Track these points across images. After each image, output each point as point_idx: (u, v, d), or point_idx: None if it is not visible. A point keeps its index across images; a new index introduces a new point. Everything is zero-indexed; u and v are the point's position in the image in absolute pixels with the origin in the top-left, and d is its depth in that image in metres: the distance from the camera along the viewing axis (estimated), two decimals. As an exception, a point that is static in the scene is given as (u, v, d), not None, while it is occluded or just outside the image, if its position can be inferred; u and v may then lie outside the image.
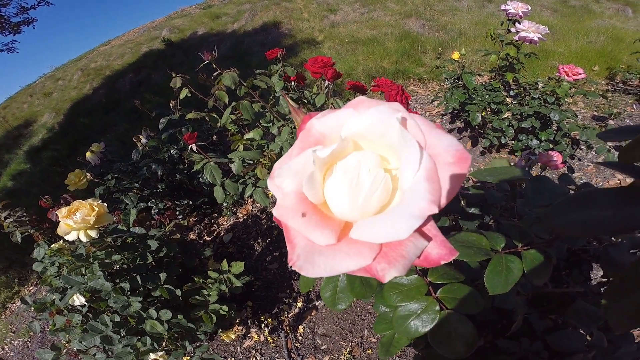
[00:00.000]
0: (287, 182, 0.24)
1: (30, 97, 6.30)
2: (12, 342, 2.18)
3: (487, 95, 1.70)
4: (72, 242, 1.22)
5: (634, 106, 2.12)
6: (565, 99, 1.56)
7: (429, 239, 0.23)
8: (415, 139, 0.23)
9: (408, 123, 0.24)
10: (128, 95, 4.18)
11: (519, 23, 1.51)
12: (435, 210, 0.20)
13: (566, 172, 1.51)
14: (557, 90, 1.49)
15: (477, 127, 1.89)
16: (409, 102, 1.37)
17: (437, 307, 0.44)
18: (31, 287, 2.55)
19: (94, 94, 4.72)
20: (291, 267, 0.22)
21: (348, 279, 0.47)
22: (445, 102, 1.77)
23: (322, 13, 4.45)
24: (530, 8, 1.55)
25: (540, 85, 1.58)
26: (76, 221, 0.88)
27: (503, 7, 1.57)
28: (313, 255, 0.21)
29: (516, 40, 1.56)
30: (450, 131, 2.14)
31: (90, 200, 0.93)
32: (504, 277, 0.41)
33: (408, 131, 0.23)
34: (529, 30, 1.46)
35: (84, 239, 0.92)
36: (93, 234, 0.92)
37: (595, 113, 2.09)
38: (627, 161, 0.28)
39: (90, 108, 4.34)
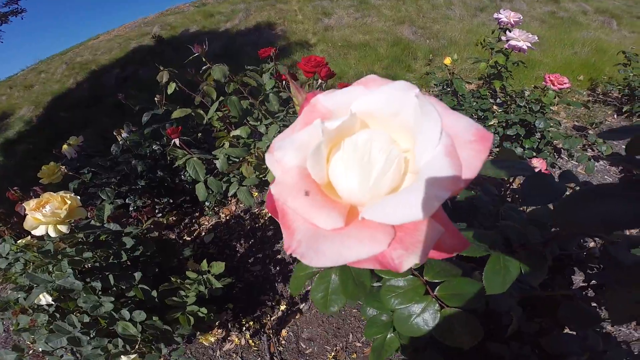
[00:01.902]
0: (289, 155, 0.20)
1: (10, 89, 6.01)
2: None
3: (475, 103, 1.72)
4: (41, 238, 1.14)
5: (615, 116, 2.20)
6: (549, 108, 1.60)
7: (439, 230, 0.20)
8: (435, 117, 0.20)
9: (424, 100, 0.22)
10: (113, 90, 4.04)
11: (510, 32, 1.54)
12: (461, 186, 0.17)
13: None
14: (542, 98, 1.52)
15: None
16: None
17: (437, 306, 0.42)
18: None
19: (78, 88, 4.54)
20: (290, 255, 0.19)
21: (341, 278, 0.44)
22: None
23: (316, 16, 4.47)
24: (521, 17, 1.59)
25: (527, 93, 1.61)
26: (45, 214, 0.81)
27: (496, 15, 1.60)
28: (317, 241, 0.18)
29: (506, 48, 1.59)
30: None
31: (61, 193, 0.86)
32: (502, 277, 0.40)
33: (429, 109, 0.21)
34: (519, 38, 1.49)
35: (53, 234, 0.85)
36: (63, 229, 0.85)
37: (576, 123, 2.16)
38: (635, 153, 0.27)
39: (72, 102, 4.17)
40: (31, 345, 1.16)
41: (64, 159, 1.69)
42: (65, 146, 1.68)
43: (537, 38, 1.50)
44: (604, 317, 0.50)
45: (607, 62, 2.82)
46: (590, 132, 1.96)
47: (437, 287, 0.43)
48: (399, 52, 3.24)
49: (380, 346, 0.57)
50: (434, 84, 1.91)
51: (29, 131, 4.20)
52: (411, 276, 0.45)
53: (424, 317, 0.42)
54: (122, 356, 1.09)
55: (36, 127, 4.21)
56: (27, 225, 0.84)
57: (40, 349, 1.11)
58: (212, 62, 1.22)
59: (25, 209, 1.11)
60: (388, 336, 0.58)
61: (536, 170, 0.81)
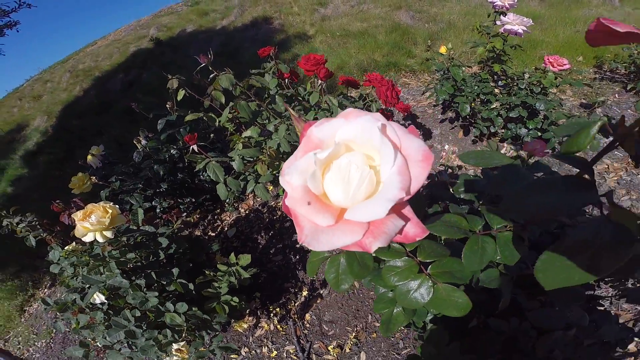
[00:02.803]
0: (294, 178, 0.31)
1: (20, 100, 6.26)
2: (36, 343, 2.27)
3: (476, 87, 1.77)
4: (85, 244, 1.29)
5: (622, 93, 2.20)
6: (552, 88, 1.63)
7: (407, 220, 0.31)
8: (393, 142, 0.30)
9: (387, 129, 0.32)
10: (120, 95, 4.19)
11: (505, 15, 1.57)
12: (404, 195, 0.27)
13: (550, 158, 1.60)
14: (542, 81, 1.56)
15: (467, 117, 1.96)
16: (399, 95, 1.44)
17: (430, 282, 0.51)
18: (45, 290, 2.64)
19: (85, 95, 4.72)
20: (301, 244, 0.29)
21: (347, 261, 0.54)
22: (435, 94, 1.84)
23: (312, 7, 4.46)
24: (516, 0, 1.60)
25: (527, 76, 1.65)
26: (92, 223, 0.95)
27: None
28: (317, 234, 0.29)
29: (502, 33, 1.62)
30: (442, 121, 2.22)
31: (102, 203, 1.00)
32: (479, 256, 0.49)
33: (387, 136, 0.31)
34: (514, 22, 1.53)
35: (100, 239, 0.99)
36: (109, 234, 0.99)
37: (583, 101, 2.17)
38: (566, 153, 0.36)
39: (82, 110, 4.35)
40: (92, 342, 1.30)
41: (90, 168, 1.84)
42: (89, 157, 1.83)
43: (531, 21, 1.53)
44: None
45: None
46: (598, 109, 1.98)
47: (429, 266, 0.52)
48: (398, 38, 3.23)
49: (388, 319, 0.68)
50: (435, 69, 1.96)
51: (46, 141, 4.44)
52: (406, 257, 0.55)
53: (421, 291, 0.51)
54: (173, 344, 1.23)
55: (52, 137, 4.43)
56: (77, 233, 0.98)
57: (99, 345, 1.27)
58: (213, 62, 1.31)
59: (70, 219, 1.27)
60: (395, 310, 0.69)
61: (541, 150, 0.88)
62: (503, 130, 1.86)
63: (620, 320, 1.04)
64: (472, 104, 1.83)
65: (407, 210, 0.31)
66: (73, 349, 1.26)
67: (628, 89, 2.16)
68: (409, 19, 3.66)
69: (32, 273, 2.80)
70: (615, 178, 1.61)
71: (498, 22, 1.59)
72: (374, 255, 0.55)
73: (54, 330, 2.24)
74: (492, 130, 1.84)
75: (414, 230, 0.31)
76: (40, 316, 2.44)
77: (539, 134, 1.68)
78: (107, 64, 5.21)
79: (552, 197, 0.34)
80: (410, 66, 2.85)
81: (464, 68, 1.95)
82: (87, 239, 0.99)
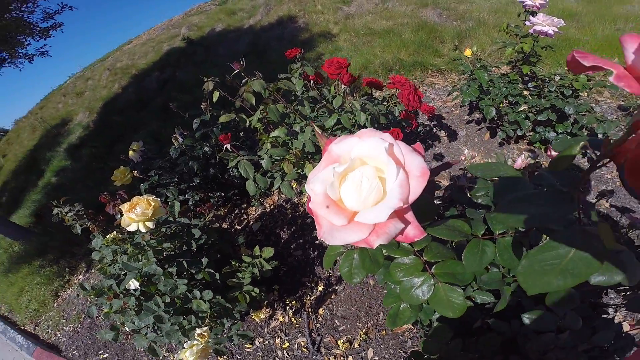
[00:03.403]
0: (317, 186, 0.39)
1: (64, 97, 6.79)
2: (64, 328, 2.48)
3: (504, 88, 1.75)
4: (124, 233, 1.43)
5: None
6: (584, 91, 1.59)
7: (407, 223, 0.38)
8: (397, 159, 0.37)
9: (394, 148, 0.39)
10: (156, 93, 4.45)
11: (535, 15, 1.55)
12: (402, 205, 0.34)
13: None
14: (574, 83, 1.53)
15: (495, 119, 1.95)
16: (422, 98, 1.47)
17: (432, 281, 0.56)
18: (80, 276, 2.87)
19: (123, 92, 5.05)
20: (320, 239, 0.37)
21: (360, 257, 0.61)
22: (462, 95, 1.85)
23: (335, 5, 4.49)
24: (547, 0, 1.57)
25: (557, 78, 1.62)
26: (137, 214, 1.08)
27: None
28: (333, 232, 0.36)
29: (531, 33, 1.60)
30: (468, 123, 2.21)
31: (146, 196, 1.13)
32: (478, 258, 0.54)
33: (393, 154, 0.38)
34: (544, 23, 1.49)
35: (143, 229, 1.13)
36: (150, 225, 1.12)
37: (622, 103, 2.08)
38: (554, 169, 0.41)
39: (121, 106, 4.65)
40: (121, 326, 1.40)
41: (130, 163, 2.02)
42: (130, 152, 2.01)
43: (563, 22, 1.49)
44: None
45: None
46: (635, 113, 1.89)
47: (434, 266, 0.57)
48: (424, 37, 3.20)
49: (395, 313, 0.74)
50: (462, 69, 1.96)
51: (88, 135, 4.81)
52: (413, 256, 0.61)
53: (422, 289, 0.57)
54: (196, 329, 1.36)
55: (94, 132, 4.80)
56: (123, 223, 1.12)
57: (128, 329, 1.37)
58: (242, 60, 1.40)
59: (115, 210, 1.43)
60: (402, 306, 0.75)
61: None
62: (531, 134, 1.84)
63: (632, 332, 1.04)
64: (501, 105, 1.82)
65: (409, 215, 0.38)
66: (104, 332, 1.37)
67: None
68: (435, 17, 3.61)
69: (69, 260, 3.06)
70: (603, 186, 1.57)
71: (527, 23, 1.56)
72: (385, 253, 0.62)
73: (83, 316, 2.45)
74: (519, 134, 1.82)
75: (414, 232, 0.38)
76: (73, 302, 2.66)
77: (568, 138, 1.65)
78: (143, 62, 5.54)
79: (535, 209, 0.40)
80: (437, 65, 2.83)
81: (493, 68, 1.94)
82: (131, 228, 1.13)
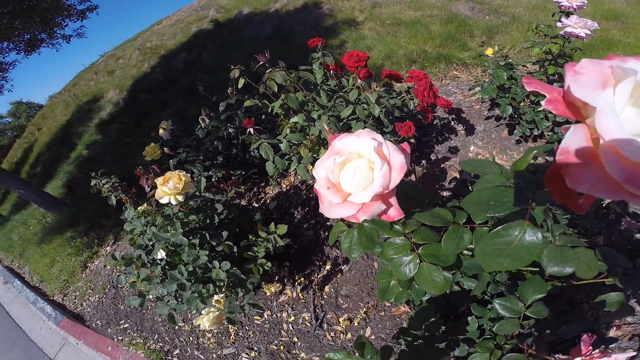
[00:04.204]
0: (321, 172, 0.50)
1: (96, 74, 7.13)
2: (90, 298, 2.66)
3: (526, 87, 1.77)
4: (153, 205, 1.59)
5: None
6: None
7: (390, 206, 0.49)
8: (384, 156, 0.48)
9: (382, 147, 0.49)
10: (182, 73, 4.63)
11: (570, 16, 1.49)
12: (382, 190, 0.45)
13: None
14: None
15: (514, 116, 1.97)
16: (437, 94, 1.54)
17: (418, 260, 0.67)
18: (107, 247, 3.06)
19: (152, 72, 5.28)
20: (320, 212, 0.49)
21: (358, 235, 0.72)
22: (482, 92, 1.88)
23: (362, -8, 4.45)
24: (585, 1, 1.53)
25: None
26: (170, 188, 1.23)
27: None
28: (331, 207, 0.48)
29: (562, 35, 1.56)
30: (487, 118, 2.24)
31: (177, 172, 1.28)
32: (455, 242, 0.63)
33: (381, 151, 0.48)
34: (576, 25, 1.46)
35: (173, 202, 1.28)
36: (180, 198, 1.28)
37: None
38: (516, 171, 0.50)
39: (150, 85, 4.88)
40: (146, 294, 1.53)
41: (160, 140, 2.20)
42: (161, 130, 2.18)
43: (596, 25, 1.45)
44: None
45: None
46: None
47: (420, 247, 0.68)
48: (453, 30, 3.14)
49: (385, 288, 0.86)
50: (486, 65, 1.97)
51: (118, 112, 5.08)
52: (404, 237, 0.72)
53: (409, 266, 0.68)
54: (214, 296, 1.51)
55: (123, 109, 5.07)
56: (157, 195, 1.28)
57: (153, 297, 1.50)
58: (266, 44, 1.52)
59: (146, 183, 1.59)
60: (391, 282, 0.86)
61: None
62: (549, 134, 1.86)
63: (619, 334, 1.11)
64: (521, 104, 1.83)
65: (392, 200, 0.49)
66: (132, 299, 1.52)
67: None
68: (468, 10, 3.52)
69: (98, 231, 3.25)
70: None
71: (559, 24, 1.53)
72: (382, 235, 0.73)
73: (108, 287, 2.63)
74: (536, 133, 1.85)
75: (394, 213, 0.49)
76: (99, 273, 2.83)
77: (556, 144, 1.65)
78: (171, 43, 5.73)
79: (486, 198, 0.50)
80: (462, 59, 2.81)
81: (519, 66, 1.94)
82: (164, 201, 1.29)
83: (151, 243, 1.57)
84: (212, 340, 1.91)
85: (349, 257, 0.74)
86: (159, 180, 1.25)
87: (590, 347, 0.52)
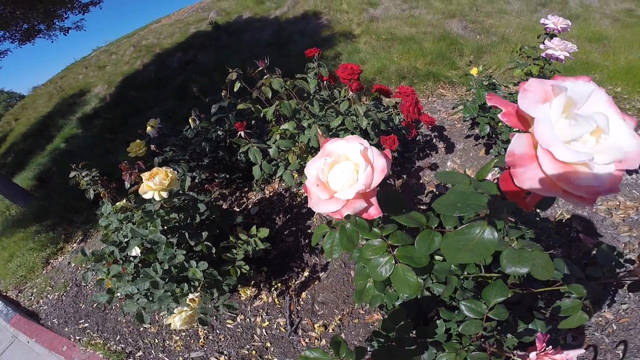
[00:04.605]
0: (312, 171, 0.55)
1: (86, 69, 7.00)
2: (48, 296, 2.52)
3: (507, 108, 1.88)
4: (134, 202, 1.57)
5: None
6: None
7: (371, 205, 0.54)
8: (368, 159, 0.53)
9: (367, 151, 0.55)
10: (176, 73, 4.62)
11: (554, 38, 1.59)
12: (365, 189, 0.50)
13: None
14: None
15: (491, 136, 2.09)
16: (421, 110, 1.62)
17: (393, 261, 0.72)
18: (74, 245, 2.92)
19: (144, 69, 5.23)
20: (309, 207, 0.53)
21: (340, 236, 0.77)
22: (464, 111, 1.99)
23: (362, 6, 4.60)
24: (570, 23, 1.61)
25: None
26: (155, 183, 1.25)
27: (542, 20, 1.64)
28: (319, 203, 0.53)
29: (543, 57, 1.66)
30: (467, 137, 2.35)
31: (164, 168, 1.30)
32: (427, 244, 0.68)
33: (365, 155, 0.54)
34: (557, 48, 1.56)
35: (157, 198, 1.29)
36: (165, 194, 1.29)
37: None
38: (479, 179, 0.57)
39: (141, 83, 4.83)
40: (115, 291, 1.47)
41: (146, 137, 2.19)
42: (149, 128, 2.18)
43: (575, 48, 1.55)
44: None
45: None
46: None
47: (396, 249, 0.73)
48: (444, 48, 3.30)
49: (361, 290, 0.91)
50: (471, 84, 2.07)
51: (104, 107, 4.99)
52: (381, 239, 0.77)
53: (385, 267, 0.72)
54: (188, 294, 1.48)
55: (110, 104, 4.99)
56: (141, 190, 1.29)
57: (119, 294, 1.44)
58: (264, 51, 1.57)
59: (129, 178, 1.60)
60: (367, 284, 0.91)
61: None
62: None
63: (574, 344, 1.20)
64: (499, 124, 1.94)
65: (373, 200, 0.55)
66: (99, 295, 1.47)
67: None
68: (460, 29, 3.71)
69: (66, 227, 3.10)
70: (623, 215, 1.69)
71: (541, 46, 1.61)
72: (361, 238, 0.78)
73: (70, 285, 2.51)
74: (513, 154, 1.96)
75: (374, 211, 0.54)
76: (62, 270, 2.69)
77: None
78: (168, 42, 5.72)
79: (454, 200, 0.55)
80: (450, 78, 2.95)
81: (502, 87, 2.06)
82: (147, 196, 1.30)
83: (126, 240, 1.55)
84: (179, 343, 1.87)
85: (330, 257, 0.78)
86: (145, 175, 1.27)
87: (544, 344, 0.58)
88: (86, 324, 2.20)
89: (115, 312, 2.18)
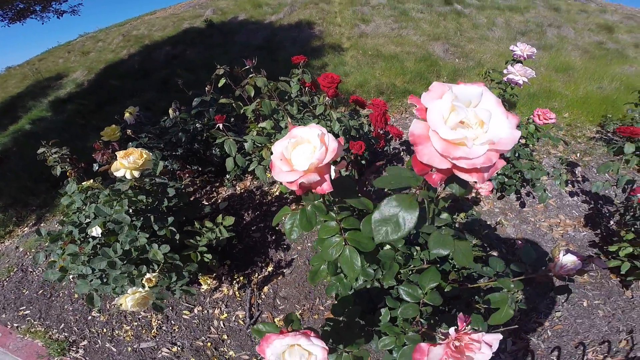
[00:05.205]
0: (278, 148, 0.63)
1: (68, 53, 6.81)
2: None
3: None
4: (101, 183, 1.57)
5: (607, 155, 2.38)
6: (533, 139, 1.77)
7: (324, 180, 0.63)
8: (324, 142, 0.62)
9: (325, 136, 0.64)
10: (161, 66, 4.61)
11: (515, 64, 1.73)
12: (317, 163, 0.59)
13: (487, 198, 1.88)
14: (522, 130, 1.78)
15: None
16: (388, 121, 1.76)
17: (343, 243, 0.81)
18: (25, 228, 2.80)
19: (129, 59, 5.18)
20: (271, 176, 0.61)
21: (300, 217, 0.84)
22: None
23: (354, 21, 4.82)
24: (535, 51, 1.75)
25: None
26: (129, 162, 1.28)
27: (512, 47, 1.78)
28: (280, 173, 0.61)
29: (504, 81, 1.80)
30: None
31: (140, 149, 1.34)
32: (371, 227, 0.78)
33: (322, 139, 0.63)
34: (517, 73, 1.70)
35: (129, 176, 1.32)
36: (136, 174, 1.32)
37: (573, 158, 2.39)
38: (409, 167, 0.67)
39: (123, 72, 4.77)
40: (68, 270, 1.44)
41: (123, 123, 2.20)
42: (127, 114, 2.19)
43: (534, 73, 1.69)
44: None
45: (631, 99, 2.69)
46: (578, 168, 2.23)
47: (347, 232, 0.82)
48: (424, 68, 3.52)
49: (316, 271, 0.98)
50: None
51: (79, 93, 4.87)
52: (335, 222, 0.85)
53: (336, 248, 0.81)
54: (146, 274, 1.46)
55: (86, 90, 4.87)
56: (114, 167, 1.32)
57: (72, 276, 1.42)
58: (254, 53, 1.65)
59: (101, 157, 1.61)
60: (322, 267, 0.99)
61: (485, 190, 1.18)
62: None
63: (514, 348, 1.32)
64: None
65: (326, 177, 0.63)
66: (50, 273, 1.44)
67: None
68: (442, 52, 3.94)
69: (20, 209, 2.97)
70: (562, 232, 1.88)
71: (504, 71, 1.74)
72: (320, 219, 0.86)
73: (15, 270, 2.41)
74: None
75: (326, 187, 0.63)
76: (8, 254, 2.58)
77: (506, 179, 1.90)
78: (158, 35, 5.70)
79: (390, 179, 0.65)
80: (424, 98, 3.16)
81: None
82: (119, 173, 1.32)
83: (87, 221, 1.53)
84: (129, 333, 1.84)
85: (289, 237, 0.85)
86: (120, 153, 1.30)
87: (464, 324, 0.67)
88: (27, 311, 2.11)
89: (62, 299, 2.11)
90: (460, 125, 0.42)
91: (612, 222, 1.93)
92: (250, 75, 1.64)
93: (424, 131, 0.43)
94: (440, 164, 0.42)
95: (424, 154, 0.42)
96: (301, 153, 0.63)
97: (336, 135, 1.75)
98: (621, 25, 4.86)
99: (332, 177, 0.69)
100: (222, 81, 1.70)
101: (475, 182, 0.46)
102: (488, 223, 1.92)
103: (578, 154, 2.45)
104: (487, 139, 0.41)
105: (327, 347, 0.63)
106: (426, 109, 0.43)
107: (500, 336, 0.79)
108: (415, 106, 0.47)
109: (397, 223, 0.58)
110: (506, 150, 0.42)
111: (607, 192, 2.10)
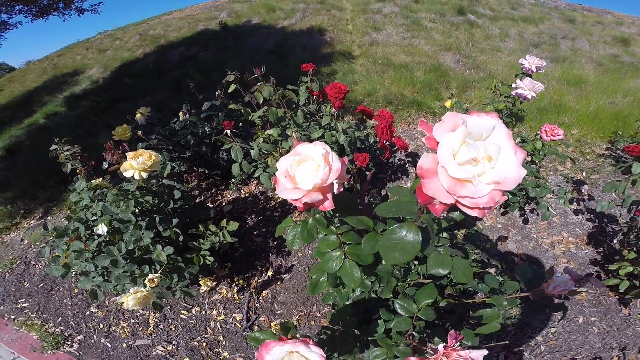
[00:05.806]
0: (282, 165, 0.66)
1: (86, 50, 6.97)
2: None
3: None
4: (110, 182, 1.62)
5: (615, 173, 2.34)
6: (540, 155, 1.76)
7: (326, 198, 0.65)
8: (328, 161, 0.65)
9: (329, 155, 0.66)
10: (175, 66, 4.68)
11: (524, 78, 1.70)
12: (321, 183, 0.62)
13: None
14: (526, 147, 1.77)
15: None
16: (394, 134, 1.77)
17: (343, 257, 0.84)
18: (32, 221, 2.85)
19: (144, 58, 5.27)
20: (275, 194, 0.63)
21: (301, 229, 0.87)
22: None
23: (365, 29, 4.82)
24: (544, 63, 1.73)
25: (518, 139, 1.87)
26: (138, 163, 1.32)
27: (521, 60, 1.76)
28: (284, 191, 0.63)
29: (513, 96, 1.77)
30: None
31: (149, 151, 1.37)
32: (372, 244, 0.79)
33: (326, 158, 0.65)
34: (526, 87, 1.67)
35: (137, 177, 1.36)
36: (145, 175, 1.36)
37: (580, 176, 2.36)
38: (412, 190, 0.69)
39: (137, 71, 4.86)
40: (72, 266, 1.48)
41: (134, 123, 2.25)
42: (138, 114, 2.25)
43: (543, 87, 1.67)
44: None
45: (644, 115, 2.68)
46: (585, 186, 2.21)
47: (347, 246, 0.84)
48: (433, 79, 3.49)
49: (315, 282, 1.00)
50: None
51: (94, 90, 4.97)
52: (335, 237, 0.88)
53: (336, 261, 0.83)
54: (149, 274, 1.49)
55: (101, 88, 4.97)
56: (123, 168, 1.36)
57: (75, 271, 1.43)
58: (265, 57, 1.70)
59: (112, 157, 1.65)
60: (321, 278, 1.01)
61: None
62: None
63: None
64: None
65: (329, 195, 0.66)
66: (53, 268, 1.47)
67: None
68: (452, 62, 3.90)
69: (28, 202, 3.03)
70: (564, 249, 1.87)
71: (513, 85, 1.72)
72: (320, 234, 0.89)
73: (18, 262, 2.45)
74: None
75: (328, 204, 0.66)
76: (13, 246, 2.63)
77: (510, 196, 1.87)
78: (174, 36, 5.80)
79: (391, 206, 0.67)
80: (432, 108, 3.15)
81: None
82: (128, 174, 1.36)
83: (93, 219, 1.56)
84: (126, 329, 1.87)
85: (291, 247, 0.88)
86: (129, 154, 1.33)
87: (454, 341, 0.69)
88: (26, 304, 2.14)
89: (62, 293, 2.14)
90: (469, 162, 0.43)
91: (615, 241, 1.92)
92: (259, 83, 1.68)
93: (432, 165, 0.43)
94: (445, 199, 0.42)
95: (430, 188, 0.43)
96: (305, 171, 0.65)
97: (341, 147, 1.78)
98: (638, 37, 4.76)
99: (335, 191, 0.72)
100: (232, 87, 1.74)
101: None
102: (490, 238, 1.92)
103: (585, 172, 2.43)
104: (493, 179, 0.42)
105: (324, 355, 0.65)
106: (437, 142, 0.43)
107: (485, 352, 0.80)
108: (426, 134, 0.49)
109: (404, 249, 0.60)
110: (510, 189, 0.42)
111: (612, 210, 2.08)
